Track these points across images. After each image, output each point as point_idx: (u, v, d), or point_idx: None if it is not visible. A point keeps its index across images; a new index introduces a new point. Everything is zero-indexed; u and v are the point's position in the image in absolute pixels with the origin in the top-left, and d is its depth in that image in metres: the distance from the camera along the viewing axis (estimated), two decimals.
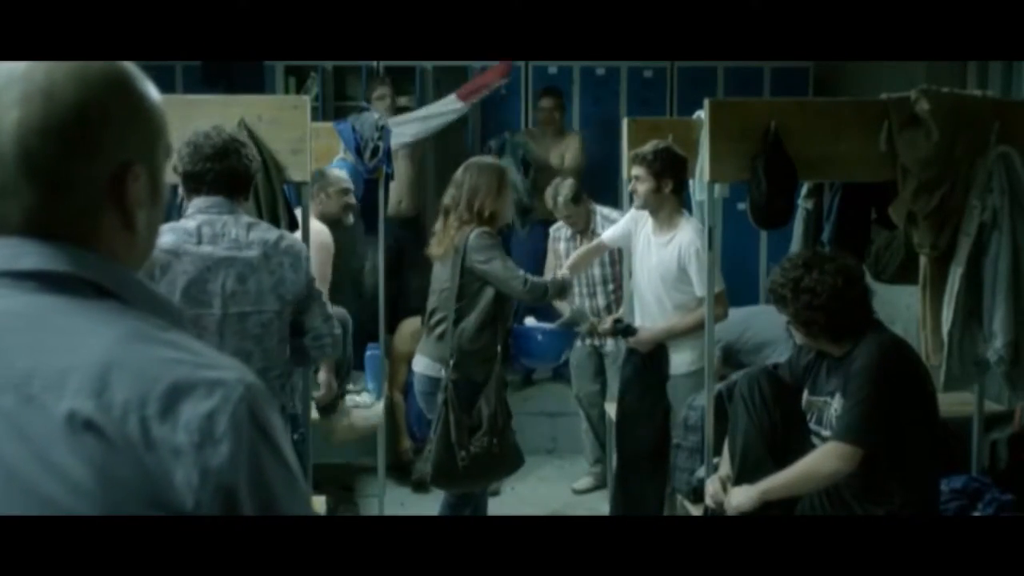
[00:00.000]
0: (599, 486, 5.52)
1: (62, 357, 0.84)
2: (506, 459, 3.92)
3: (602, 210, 5.32)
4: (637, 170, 4.15)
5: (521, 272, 3.85)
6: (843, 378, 3.02)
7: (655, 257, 4.26)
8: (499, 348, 3.89)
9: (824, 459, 2.97)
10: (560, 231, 5.40)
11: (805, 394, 3.18)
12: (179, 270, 2.90)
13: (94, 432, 0.81)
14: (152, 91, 0.98)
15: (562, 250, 5.34)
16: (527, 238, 6.31)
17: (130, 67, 0.97)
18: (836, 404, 3.04)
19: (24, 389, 0.83)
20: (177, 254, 2.90)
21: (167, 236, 2.89)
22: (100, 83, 0.92)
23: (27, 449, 0.82)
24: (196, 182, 3.01)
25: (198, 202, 2.99)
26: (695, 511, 3.69)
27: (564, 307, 5.17)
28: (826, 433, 3.06)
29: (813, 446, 3.12)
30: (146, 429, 0.82)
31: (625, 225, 4.51)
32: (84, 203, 0.93)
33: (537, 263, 6.05)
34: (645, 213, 4.33)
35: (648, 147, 4.16)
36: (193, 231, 2.94)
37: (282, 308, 3.04)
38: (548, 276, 5.39)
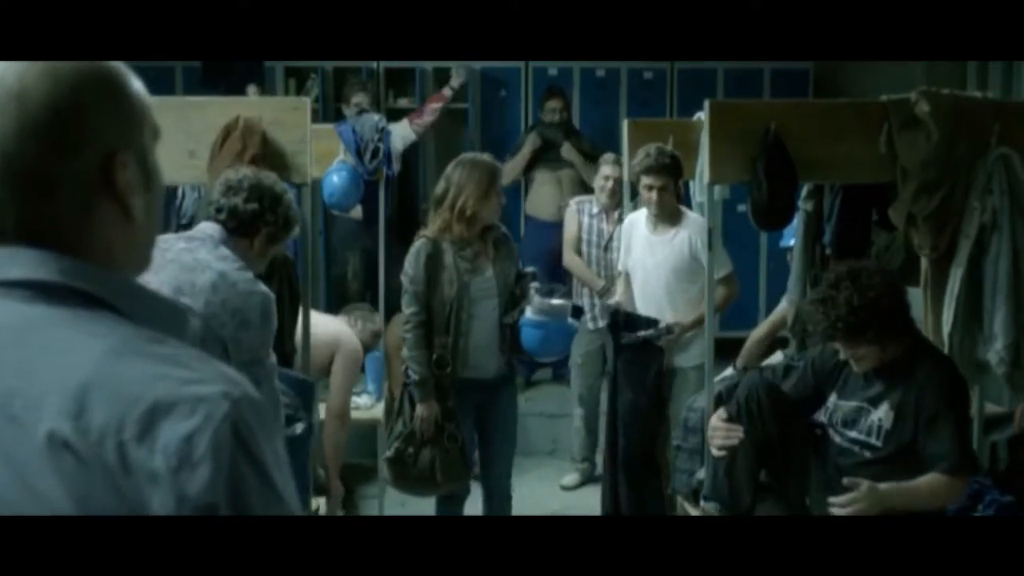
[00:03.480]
0: (585, 482, 5.57)
1: (44, 376, 0.83)
2: (424, 475, 3.86)
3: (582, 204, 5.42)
4: (655, 180, 4.20)
5: (412, 312, 3.74)
6: (892, 387, 2.99)
7: (660, 254, 4.29)
8: (442, 355, 3.77)
9: (956, 492, 3.01)
10: (584, 205, 5.39)
11: (833, 397, 3.14)
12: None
13: (72, 454, 0.80)
14: (128, 78, 0.96)
15: (585, 224, 5.35)
16: (532, 238, 6.31)
17: (103, 61, 0.96)
18: (881, 414, 3.00)
19: (6, 409, 0.82)
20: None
21: None
22: (71, 78, 0.91)
23: (7, 469, 0.81)
24: (210, 209, 2.97)
25: (199, 227, 2.95)
26: (695, 512, 3.69)
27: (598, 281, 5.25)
28: (859, 436, 3.03)
29: (824, 461, 3.10)
30: (123, 454, 0.80)
31: (625, 230, 4.56)
32: (75, 201, 0.91)
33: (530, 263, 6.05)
34: (635, 217, 4.37)
35: (656, 155, 4.20)
36: (169, 243, 2.83)
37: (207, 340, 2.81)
38: (568, 251, 5.47)
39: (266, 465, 0.85)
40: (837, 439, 3.11)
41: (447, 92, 6.41)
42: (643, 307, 4.46)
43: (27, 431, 0.81)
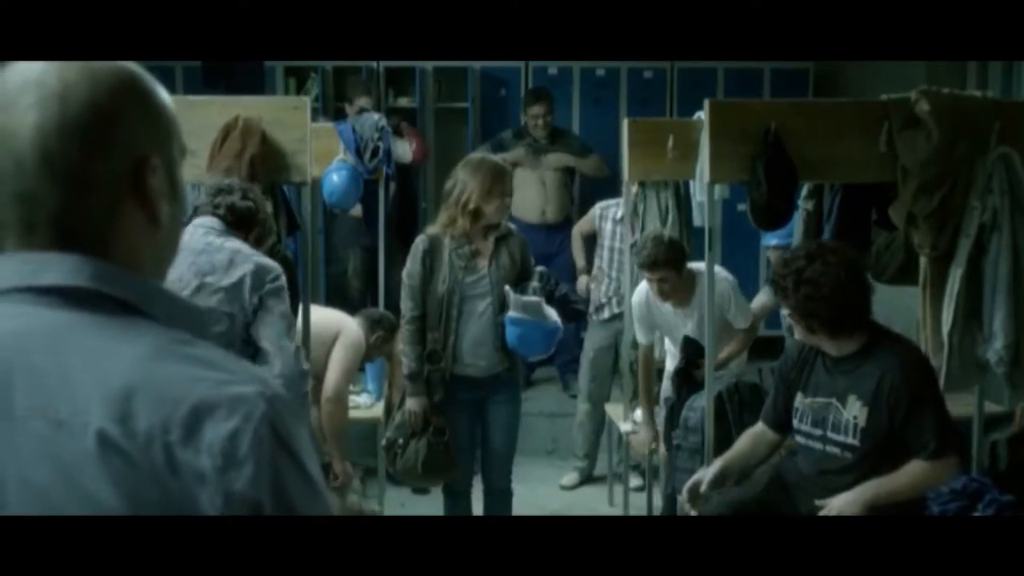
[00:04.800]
0: (585, 482, 5.57)
1: (85, 380, 0.85)
2: (408, 466, 3.96)
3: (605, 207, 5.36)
4: (660, 273, 4.20)
5: (408, 309, 3.84)
6: (858, 379, 2.99)
7: (690, 323, 4.33)
8: (434, 350, 3.84)
9: (937, 475, 3.02)
10: (609, 210, 5.35)
11: (799, 397, 3.14)
12: None
13: (121, 456, 0.83)
14: (161, 90, 1.00)
15: (607, 230, 5.33)
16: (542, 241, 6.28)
17: (138, 67, 0.98)
18: (855, 411, 2.99)
19: (51, 413, 0.84)
20: None
21: None
22: (111, 81, 0.94)
23: (57, 473, 0.83)
24: (206, 208, 3.16)
25: (197, 220, 3.10)
26: (695, 512, 3.69)
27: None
28: (836, 437, 3.02)
29: (808, 471, 3.10)
30: (170, 455, 0.83)
31: (639, 311, 4.55)
32: (106, 200, 0.93)
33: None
34: (648, 296, 4.40)
35: (653, 248, 4.18)
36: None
37: (234, 315, 3.00)
38: (576, 252, 5.54)
39: (303, 458, 0.88)
40: (816, 445, 3.09)
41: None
42: (671, 360, 4.51)
43: (75, 435, 0.83)
